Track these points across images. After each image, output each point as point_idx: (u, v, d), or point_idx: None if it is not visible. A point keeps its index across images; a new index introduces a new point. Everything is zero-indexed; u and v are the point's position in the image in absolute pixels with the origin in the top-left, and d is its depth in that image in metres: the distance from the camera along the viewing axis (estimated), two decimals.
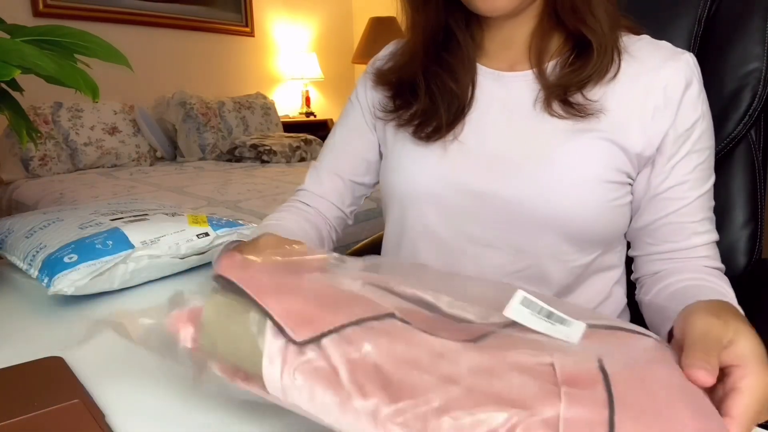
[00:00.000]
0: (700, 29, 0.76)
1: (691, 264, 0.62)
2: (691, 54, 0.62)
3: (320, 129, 3.84)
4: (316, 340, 0.31)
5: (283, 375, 0.31)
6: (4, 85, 0.62)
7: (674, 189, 0.62)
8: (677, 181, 0.61)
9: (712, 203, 0.64)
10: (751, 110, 0.73)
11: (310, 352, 0.31)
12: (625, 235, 0.68)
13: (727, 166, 0.77)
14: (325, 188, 0.79)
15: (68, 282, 0.59)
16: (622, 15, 0.64)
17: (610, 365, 0.31)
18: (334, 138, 0.81)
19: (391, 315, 0.35)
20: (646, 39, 0.64)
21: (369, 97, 0.77)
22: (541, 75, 0.63)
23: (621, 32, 0.63)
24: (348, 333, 0.32)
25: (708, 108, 0.63)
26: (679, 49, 0.62)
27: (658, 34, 0.64)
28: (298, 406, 0.32)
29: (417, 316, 0.35)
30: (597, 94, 0.61)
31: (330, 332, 0.32)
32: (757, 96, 0.72)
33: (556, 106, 0.61)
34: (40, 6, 2.83)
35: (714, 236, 0.64)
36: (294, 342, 0.31)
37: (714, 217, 0.64)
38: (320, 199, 0.79)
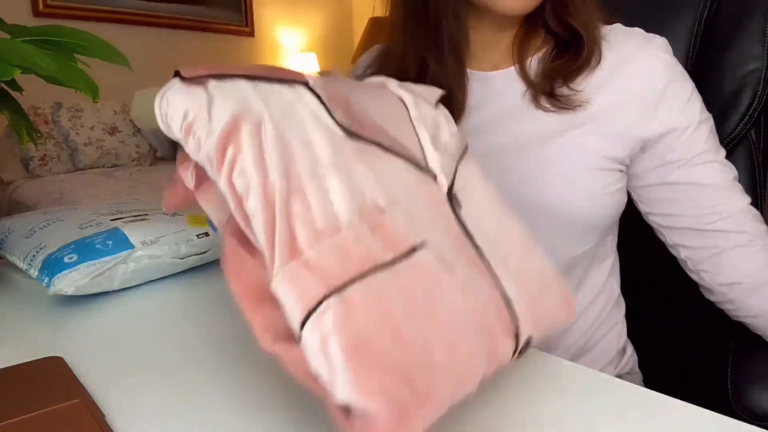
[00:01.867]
0: (700, 29, 0.76)
1: (745, 239, 0.61)
2: (662, 38, 0.63)
3: None
4: (203, 79, 0.32)
5: (161, 110, 0.32)
6: (4, 85, 0.62)
7: (703, 155, 0.62)
8: (702, 149, 0.62)
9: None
10: (751, 110, 0.73)
11: (193, 90, 0.31)
12: (659, 228, 0.67)
13: None
14: None
15: (68, 282, 0.59)
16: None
17: (426, 256, 0.29)
18: None
19: (305, 84, 0.33)
20: (618, 27, 0.65)
21: None
22: (522, 71, 0.65)
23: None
24: (240, 82, 0.32)
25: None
26: (650, 34, 0.64)
27: (658, 34, 0.64)
28: (169, 128, 0.32)
29: (336, 94, 0.34)
30: (581, 84, 0.62)
31: (219, 76, 0.32)
32: (757, 96, 0.72)
33: (543, 101, 0.63)
34: (40, 6, 2.83)
35: (748, 197, 0.64)
36: (182, 78, 0.32)
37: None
38: None
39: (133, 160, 2.87)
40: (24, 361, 0.46)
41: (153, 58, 3.29)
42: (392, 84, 0.40)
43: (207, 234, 0.71)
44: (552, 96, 0.62)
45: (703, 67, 0.74)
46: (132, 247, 0.64)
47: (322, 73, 0.39)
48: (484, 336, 0.30)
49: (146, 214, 0.72)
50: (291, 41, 4.13)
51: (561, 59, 0.63)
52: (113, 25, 3.09)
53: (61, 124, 2.67)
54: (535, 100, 0.63)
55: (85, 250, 0.62)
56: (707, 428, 0.38)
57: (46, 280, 0.60)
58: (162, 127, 0.32)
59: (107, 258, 0.62)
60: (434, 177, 0.34)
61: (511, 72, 0.66)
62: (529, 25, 0.65)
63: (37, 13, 2.82)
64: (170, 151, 3.15)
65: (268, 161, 0.29)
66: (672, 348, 0.78)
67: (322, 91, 0.33)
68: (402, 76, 0.68)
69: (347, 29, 4.50)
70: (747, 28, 0.73)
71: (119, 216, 0.70)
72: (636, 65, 0.61)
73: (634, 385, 0.43)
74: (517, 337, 0.33)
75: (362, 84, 0.40)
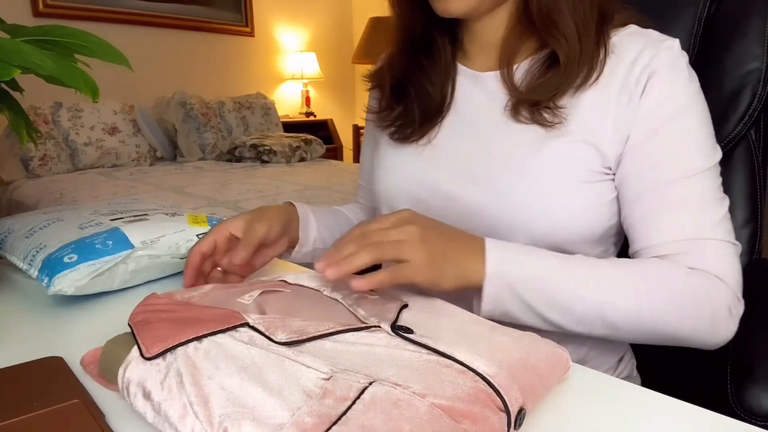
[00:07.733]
0: (700, 29, 0.76)
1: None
2: (674, 39, 0.60)
3: (320, 129, 3.83)
4: (162, 354, 0.39)
5: (123, 380, 0.39)
6: (4, 85, 0.62)
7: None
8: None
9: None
10: (750, 110, 0.73)
11: (152, 364, 0.39)
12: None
13: (727, 166, 0.77)
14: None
15: (68, 282, 0.59)
16: (624, 7, 0.62)
17: (376, 390, 0.34)
18: (364, 153, 0.87)
19: (245, 324, 0.42)
20: (630, 29, 0.62)
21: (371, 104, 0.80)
22: (508, 77, 0.63)
23: (610, 29, 0.61)
24: (190, 347, 0.39)
25: (693, 92, 0.60)
26: (663, 36, 0.60)
27: None
28: (135, 406, 0.38)
29: (273, 322, 0.42)
30: (570, 100, 0.59)
31: (175, 346, 0.39)
32: (757, 96, 0.72)
33: (524, 114, 0.61)
34: (40, 6, 2.84)
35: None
36: (144, 357, 0.39)
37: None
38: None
39: (133, 160, 2.87)
40: (24, 361, 0.46)
41: (153, 58, 3.30)
42: (326, 291, 0.51)
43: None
44: (531, 111, 0.60)
45: (703, 67, 0.74)
46: (132, 247, 0.64)
47: (264, 291, 0.49)
48: (463, 422, 0.33)
49: (146, 214, 0.72)
50: (291, 41, 4.13)
51: (544, 77, 0.60)
52: (113, 25, 3.09)
53: (61, 124, 2.67)
54: (515, 114, 0.61)
55: (85, 250, 0.62)
56: (707, 428, 0.38)
57: (46, 280, 0.60)
58: (127, 400, 0.39)
59: (107, 258, 0.62)
60: (377, 327, 0.42)
61: (498, 75, 0.65)
62: (518, 27, 0.63)
63: (37, 13, 2.83)
64: (170, 151, 3.15)
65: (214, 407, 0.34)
66: (671, 348, 0.78)
67: (261, 325, 0.42)
68: (395, 74, 0.71)
69: (347, 29, 4.50)
70: (747, 28, 0.73)
71: (119, 216, 0.70)
72: (633, 71, 0.58)
73: (635, 385, 0.43)
74: (506, 409, 0.34)
75: (299, 296, 0.49)
